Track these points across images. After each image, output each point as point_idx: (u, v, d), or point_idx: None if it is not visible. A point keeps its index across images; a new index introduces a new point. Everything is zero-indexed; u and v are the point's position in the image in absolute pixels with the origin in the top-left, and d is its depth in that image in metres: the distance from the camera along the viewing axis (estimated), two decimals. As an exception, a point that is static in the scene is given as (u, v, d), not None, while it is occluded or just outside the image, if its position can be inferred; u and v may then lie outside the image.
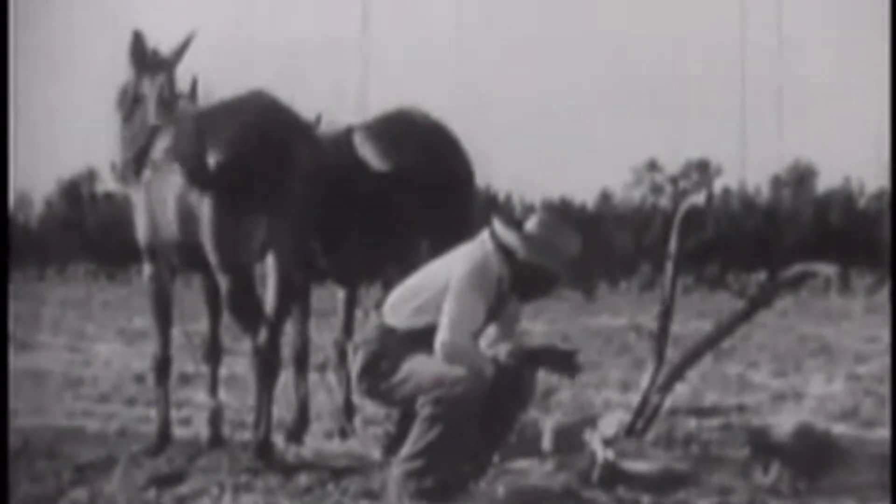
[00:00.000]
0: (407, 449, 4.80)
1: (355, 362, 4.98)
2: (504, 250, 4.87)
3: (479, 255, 4.87)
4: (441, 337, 4.75)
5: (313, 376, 6.59)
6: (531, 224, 4.92)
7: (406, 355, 4.82)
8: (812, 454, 5.42)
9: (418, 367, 4.78)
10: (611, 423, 5.13)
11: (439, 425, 4.72)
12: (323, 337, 7.59)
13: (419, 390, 4.76)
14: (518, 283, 4.91)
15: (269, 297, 5.68)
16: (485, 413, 4.81)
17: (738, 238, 37.26)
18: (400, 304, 4.92)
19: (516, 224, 4.93)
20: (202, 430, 6.42)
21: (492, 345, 5.03)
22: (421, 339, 4.81)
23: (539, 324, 15.28)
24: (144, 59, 6.33)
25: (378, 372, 4.87)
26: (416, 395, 4.77)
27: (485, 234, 4.94)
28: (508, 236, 4.87)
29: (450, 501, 4.77)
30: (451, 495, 4.79)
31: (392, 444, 5.10)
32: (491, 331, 5.04)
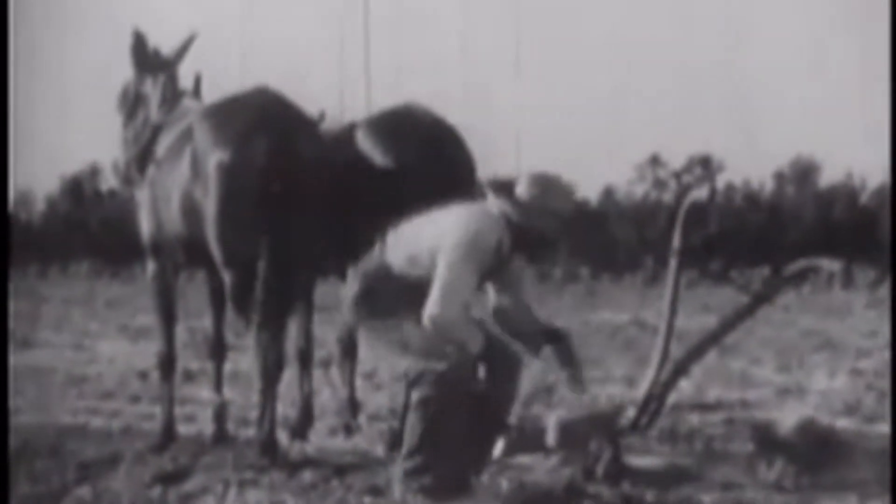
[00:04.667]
0: (405, 446, 4.78)
1: (352, 288, 4.95)
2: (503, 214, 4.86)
3: (473, 222, 4.81)
4: (430, 310, 4.69)
5: (317, 373, 6.59)
6: (520, 189, 4.89)
7: (400, 304, 4.80)
8: (815, 449, 5.42)
9: (410, 331, 4.77)
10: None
11: (431, 409, 4.69)
12: (326, 333, 7.59)
13: (405, 349, 4.76)
14: (520, 244, 4.89)
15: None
16: (478, 404, 4.79)
17: (741, 233, 37.26)
18: (397, 246, 4.90)
19: (507, 190, 4.90)
20: (206, 426, 6.43)
21: (500, 316, 5.04)
22: (414, 289, 4.78)
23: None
24: (146, 59, 6.34)
25: (372, 306, 4.87)
26: (402, 351, 4.77)
27: (489, 199, 4.92)
28: (501, 204, 4.85)
29: (453, 497, 4.77)
30: (453, 491, 4.78)
31: (396, 441, 5.09)
32: (500, 301, 5.06)
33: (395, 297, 4.84)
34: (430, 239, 4.82)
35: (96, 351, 11.56)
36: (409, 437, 4.76)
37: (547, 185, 4.91)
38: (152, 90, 6.29)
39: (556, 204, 4.88)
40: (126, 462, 5.64)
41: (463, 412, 4.75)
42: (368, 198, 5.85)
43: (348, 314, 5.03)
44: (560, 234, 4.90)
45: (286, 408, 6.41)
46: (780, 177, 44.25)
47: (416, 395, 4.73)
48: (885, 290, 23.42)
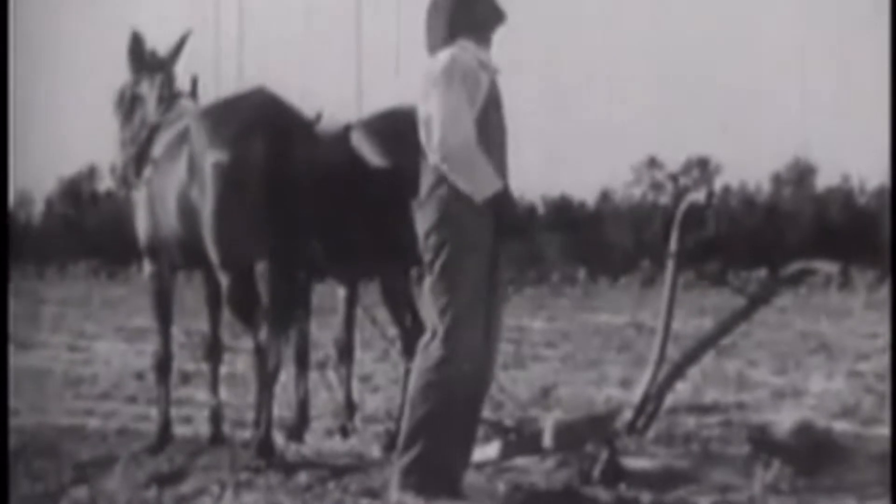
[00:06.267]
0: (402, 434, 4.64)
1: (425, 218, 4.73)
2: None
3: (449, 55, 4.72)
4: (437, 144, 4.56)
5: (314, 374, 6.59)
6: None
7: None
8: (812, 452, 5.41)
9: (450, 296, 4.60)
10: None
11: (433, 395, 4.59)
12: (323, 335, 7.58)
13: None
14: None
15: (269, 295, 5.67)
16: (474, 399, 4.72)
17: (738, 235, 37.28)
18: (424, 136, 4.77)
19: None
20: (203, 428, 6.43)
21: None
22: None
23: (538, 321, 15.29)
24: (143, 59, 6.34)
25: (454, 230, 4.66)
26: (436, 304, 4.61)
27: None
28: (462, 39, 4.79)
29: (450, 494, 4.69)
30: (445, 490, 4.66)
31: (392, 442, 5.06)
32: None
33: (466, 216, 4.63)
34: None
35: (93, 352, 11.56)
36: (408, 423, 4.62)
37: None
38: (149, 91, 6.28)
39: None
40: (122, 463, 5.63)
41: (462, 403, 4.64)
42: (364, 199, 5.85)
43: (424, 243, 4.71)
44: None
45: (282, 409, 6.40)
46: (777, 179, 44.31)
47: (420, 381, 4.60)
48: (883, 292, 23.43)
